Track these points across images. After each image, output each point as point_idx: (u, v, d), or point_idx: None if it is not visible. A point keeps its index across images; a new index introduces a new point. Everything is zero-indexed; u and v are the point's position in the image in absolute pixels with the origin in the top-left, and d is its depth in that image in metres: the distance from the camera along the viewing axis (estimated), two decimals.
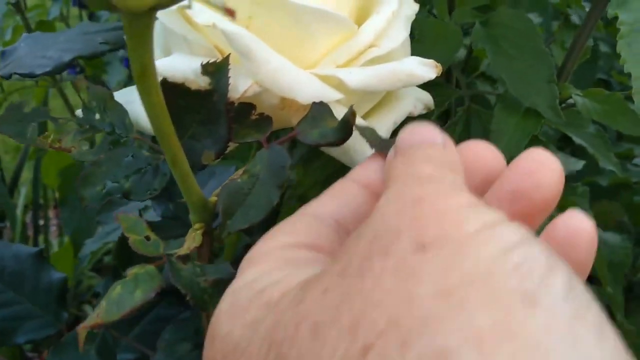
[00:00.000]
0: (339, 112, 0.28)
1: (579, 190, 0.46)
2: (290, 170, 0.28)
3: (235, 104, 0.28)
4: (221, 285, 0.26)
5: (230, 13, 0.16)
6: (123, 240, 0.37)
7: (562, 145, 0.52)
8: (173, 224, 0.39)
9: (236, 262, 0.40)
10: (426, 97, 0.34)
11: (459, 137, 0.37)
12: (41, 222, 0.98)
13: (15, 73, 0.38)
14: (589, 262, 0.21)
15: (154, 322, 0.43)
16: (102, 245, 0.49)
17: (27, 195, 1.00)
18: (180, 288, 0.26)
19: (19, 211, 0.97)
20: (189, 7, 0.20)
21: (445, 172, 0.18)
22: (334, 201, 0.22)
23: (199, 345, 0.37)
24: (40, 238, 0.98)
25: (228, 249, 0.38)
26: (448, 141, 0.21)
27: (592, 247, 0.21)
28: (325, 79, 0.28)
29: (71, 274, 0.66)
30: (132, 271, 0.25)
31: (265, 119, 0.28)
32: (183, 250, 0.27)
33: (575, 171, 0.49)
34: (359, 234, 0.17)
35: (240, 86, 0.27)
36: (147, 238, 0.26)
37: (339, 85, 0.28)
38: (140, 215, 0.37)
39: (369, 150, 0.29)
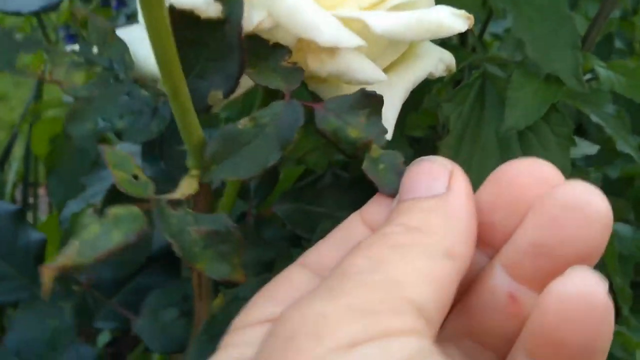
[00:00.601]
0: (360, 65, 0.26)
1: (592, 176, 0.44)
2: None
3: (270, 43, 0.25)
4: (215, 237, 0.23)
5: None
6: (112, 191, 0.34)
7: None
8: (163, 183, 0.37)
9: None
10: (448, 58, 0.31)
11: (473, 103, 0.34)
12: (31, 201, 0.96)
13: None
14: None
15: (138, 291, 0.41)
16: (85, 207, 0.46)
17: (18, 171, 0.98)
18: (167, 237, 0.22)
19: (8, 187, 0.94)
20: None
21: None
22: (336, 247, 0.21)
23: (186, 313, 0.34)
24: (29, 215, 0.95)
25: (221, 211, 0.35)
26: (455, 181, 0.19)
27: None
28: (347, 22, 0.25)
29: (58, 243, 0.64)
30: (113, 211, 0.22)
31: (297, 70, 0.25)
32: (175, 195, 0.24)
33: (586, 157, 0.47)
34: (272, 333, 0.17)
35: (254, 17, 0.24)
36: (135, 177, 0.23)
37: (361, 30, 0.25)
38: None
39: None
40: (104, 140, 0.47)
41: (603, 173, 0.52)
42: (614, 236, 0.44)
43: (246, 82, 0.26)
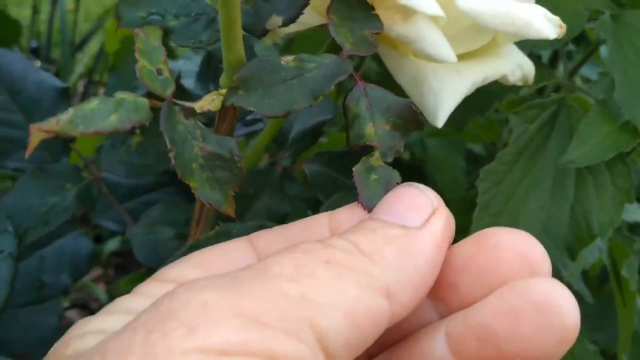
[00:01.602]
0: (433, 38, 0.24)
1: (636, 245, 0.41)
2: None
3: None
4: (216, 161, 0.22)
5: None
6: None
7: None
8: None
9: (254, 172, 0.36)
10: (528, 67, 0.29)
11: (542, 125, 0.32)
12: (90, 97, 0.97)
13: None
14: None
15: (151, 204, 0.40)
16: None
17: (87, 65, 0.99)
18: (167, 141, 0.21)
19: (74, 77, 0.96)
20: None
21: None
22: (288, 239, 0.19)
23: (182, 236, 0.34)
24: None
25: (250, 156, 0.34)
26: (434, 221, 0.17)
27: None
28: None
29: (95, 142, 0.64)
30: (120, 94, 0.21)
31: (372, 44, 0.23)
32: (194, 106, 0.22)
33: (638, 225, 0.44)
34: (137, 319, 0.14)
35: None
36: (159, 72, 0.22)
37: (445, 3, 0.23)
38: None
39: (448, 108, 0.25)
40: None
41: None
42: (635, 312, 0.41)
43: (306, 19, 0.25)
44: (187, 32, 0.25)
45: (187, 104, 0.22)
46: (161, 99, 0.21)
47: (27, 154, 0.18)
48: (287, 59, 0.22)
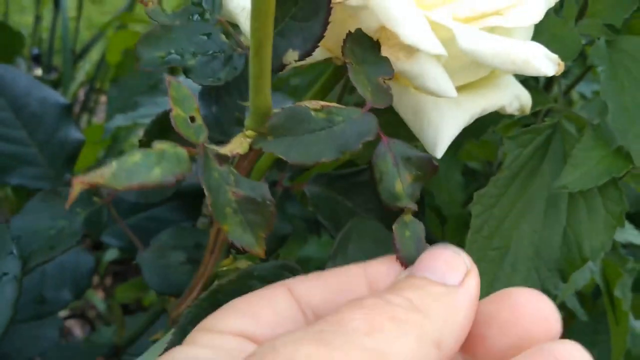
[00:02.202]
0: (435, 73, 0.25)
1: (628, 265, 0.42)
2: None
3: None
4: (249, 205, 0.23)
5: None
6: (162, 118, 0.34)
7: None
8: (211, 127, 0.36)
9: None
10: (525, 98, 0.30)
11: (535, 149, 0.33)
12: (91, 105, 0.98)
13: None
14: None
15: (153, 220, 0.41)
16: (130, 124, 0.46)
17: (88, 73, 1.00)
18: (205, 188, 0.22)
19: (74, 85, 0.96)
20: None
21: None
22: (329, 290, 0.21)
23: (192, 261, 0.34)
24: (85, 117, 0.97)
25: (254, 176, 0.35)
26: (469, 280, 0.20)
27: None
28: (436, 26, 0.24)
29: (96, 150, 0.65)
30: (160, 146, 0.21)
31: (388, 95, 0.24)
32: (225, 150, 0.23)
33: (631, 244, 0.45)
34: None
35: None
36: (192, 119, 0.22)
37: (447, 40, 0.24)
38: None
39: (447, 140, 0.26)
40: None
41: None
42: (628, 331, 0.42)
43: (320, 53, 0.26)
44: (206, 71, 0.26)
45: (218, 148, 0.22)
46: (193, 145, 0.21)
47: (67, 205, 0.18)
48: (315, 105, 0.23)
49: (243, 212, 0.22)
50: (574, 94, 0.53)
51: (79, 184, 0.20)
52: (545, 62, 0.26)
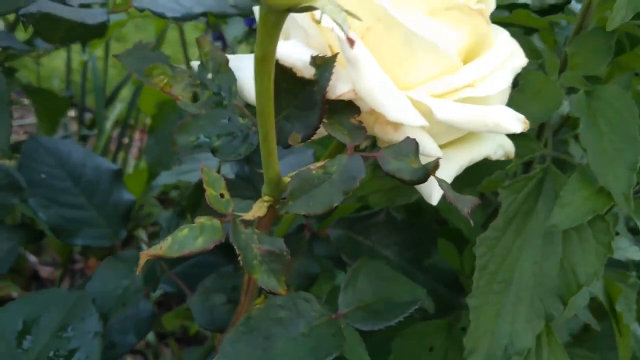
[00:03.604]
0: (421, 139, 0.30)
1: (631, 280, 0.46)
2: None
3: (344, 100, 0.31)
4: (270, 256, 0.29)
5: (350, 42, 0.18)
6: (198, 187, 0.40)
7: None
8: (244, 185, 0.43)
9: (287, 237, 0.43)
10: (509, 146, 0.36)
11: (528, 193, 0.38)
12: (125, 141, 1.05)
13: (149, 9, 0.42)
14: None
15: (197, 266, 0.47)
16: (174, 181, 0.53)
17: (121, 112, 1.07)
18: (236, 248, 0.29)
19: (109, 124, 1.04)
20: (317, 19, 0.22)
21: None
22: None
23: (232, 301, 0.40)
24: (120, 155, 1.05)
25: (283, 224, 0.41)
26: None
27: None
28: (416, 103, 0.30)
29: (138, 197, 0.72)
30: (200, 220, 0.28)
31: (361, 129, 0.31)
32: (248, 216, 0.30)
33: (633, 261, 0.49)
34: None
35: (338, 89, 0.29)
36: (221, 195, 0.29)
37: (427, 113, 0.30)
38: (219, 168, 0.41)
39: (441, 191, 0.31)
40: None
41: None
42: (631, 335, 0.47)
43: (323, 130, 0.32)
44: (229, 149, 0.32)
45: (243, 216, 0.28)
46: (224, 215, 0.28)
47: (138, 270, 0.24)
48: (315, 168, 0.29)
49: (267, 263, 0.29)
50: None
51: (145, 256, 0.27)
52: (513, 122, 0.32)
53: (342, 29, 0.19)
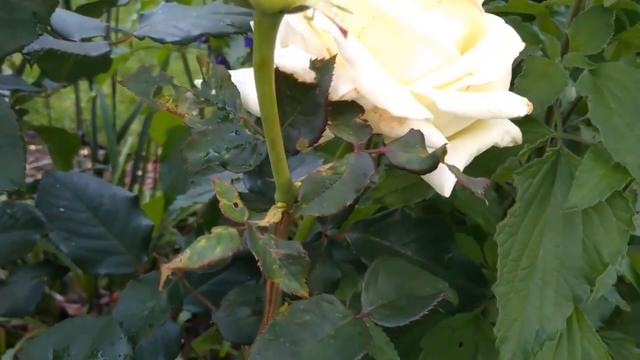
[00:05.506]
0: (427, 131, 0.31)
1: None
2: (373, 174, 0.30)
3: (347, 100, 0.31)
4: (289, 259, 0.30)
5: (343, 32, 0.19)
6: (213, 203, 0.41)
7: None
8: (258, 197, 0.43)
9: (306, 245, 0.43)
10: (515, 131, 0.36)
11: (543, 177, 0.38)
12: (139, 173, 1.07)
13: (148, 36, 0.43)
14: None
15: (221, 284, 0.48)
16: (191, 204, 0.54)
17: (132, 145, 1.09)
18: (254, 254, 0.29)
19: (122, 158, 1.05)
20: (311, 18, 0.23)
21: None
22: None
23: (256, 312, 0.41)
24: (136, 187, 1.06)
25: (301, 232, 0.41)
26: None
27: None
28: (418, 97, 0.31)
29: (157, 225, 0.73)
30: (216, 230, 0.29)
31: (366, 127, 0.31)
32: (263, 223, 0.31)
33: None
34: None
35: (340, 89, 0.30)
36: (235, 205, 0.30)
37: (430, 105, 0.31)
38: (232, 184, 0.41)
39: (452, 180, 0.31)
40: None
41: None
42: None
43: (329, 133, 0.32)
44: (239, 160, 0.33)
45: (258, 223, 0.29)
46: (242, 224, 0.28)
47: (161, 285, 0.25)
48: (326, 168, 0.30)
49: (286, 266, 0.30)
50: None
51: (166, 269, 0.27)
52: (517, 106, 0.32)
53: (335, 23, 0.19)
